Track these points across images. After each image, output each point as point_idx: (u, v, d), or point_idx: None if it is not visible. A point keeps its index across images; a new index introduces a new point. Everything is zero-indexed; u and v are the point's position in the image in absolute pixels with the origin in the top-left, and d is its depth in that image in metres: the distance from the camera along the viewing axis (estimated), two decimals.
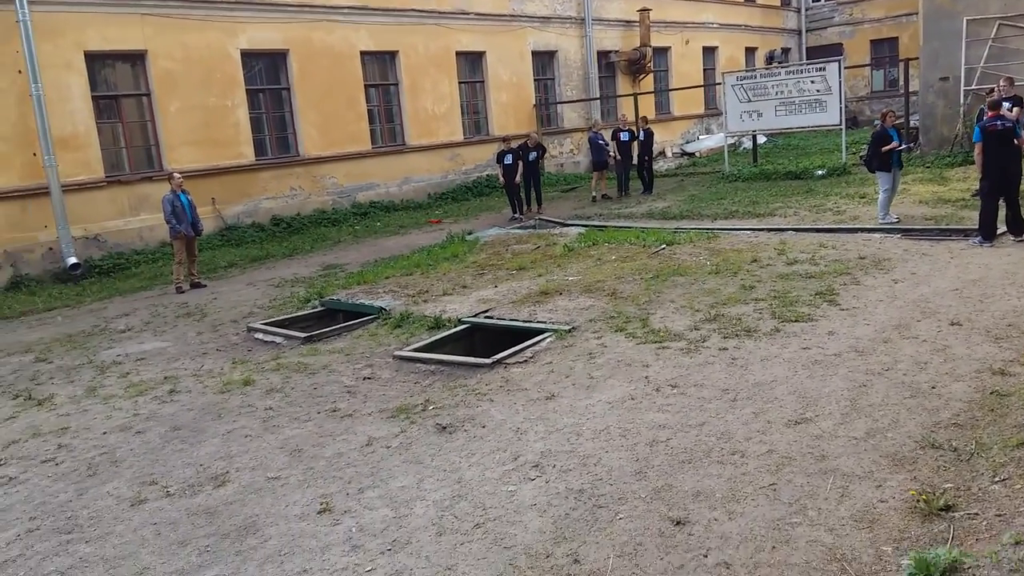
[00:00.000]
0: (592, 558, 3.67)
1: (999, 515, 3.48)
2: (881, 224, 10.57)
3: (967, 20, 16.29)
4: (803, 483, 4.09)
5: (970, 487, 3.81)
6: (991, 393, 4.83)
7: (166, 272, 12.68)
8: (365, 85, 17.91)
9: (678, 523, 3.87)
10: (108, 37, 13.89)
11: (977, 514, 3.54)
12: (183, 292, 11.39)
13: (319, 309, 9.53)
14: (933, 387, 5.05)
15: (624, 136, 17.47)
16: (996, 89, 11.83)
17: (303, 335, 8.29)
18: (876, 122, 12.40)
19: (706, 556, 3.58)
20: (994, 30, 16.08)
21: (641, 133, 17.61)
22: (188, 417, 6.24)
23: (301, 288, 10.79)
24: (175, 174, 11.85)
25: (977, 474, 3.93)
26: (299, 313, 9.47)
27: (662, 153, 25.00)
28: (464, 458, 4.89)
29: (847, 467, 4.19)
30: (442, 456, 4.96)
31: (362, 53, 17.70)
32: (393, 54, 18.39)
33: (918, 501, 3.70)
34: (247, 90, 15.95)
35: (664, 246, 10.49)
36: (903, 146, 11.39)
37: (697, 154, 24.91)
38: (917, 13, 18.26)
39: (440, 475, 4.71)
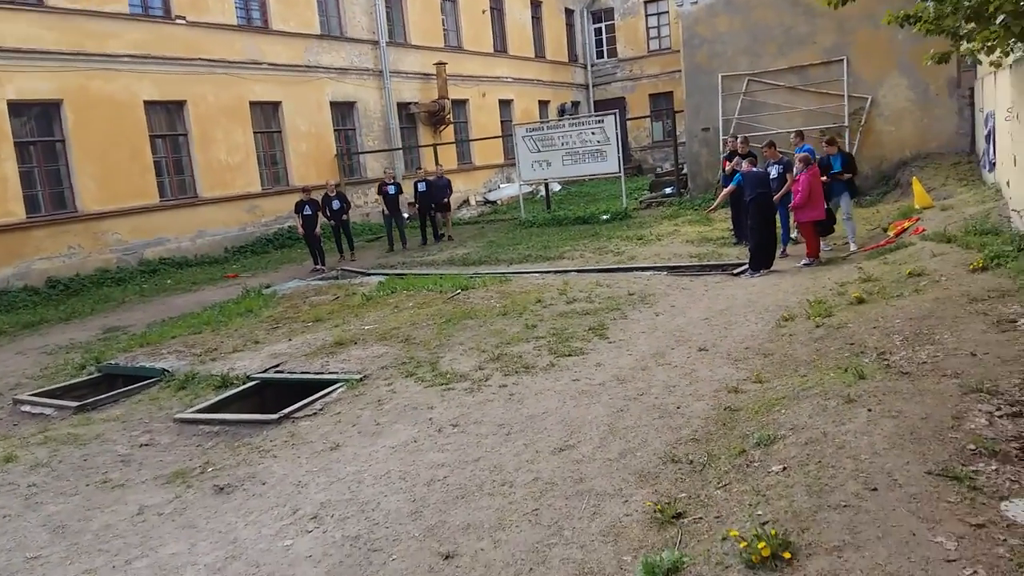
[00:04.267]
0: None
1: (717, 517, 3.98)
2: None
3: (721, 76, 18.36)
4: (562, 506, 4.44)
5: (699, 495, 4.31)
6: (724, 409, 5.48)
7: None
8: (151, 136, 17.10)
9: (447, 557, 4.07)
10: None
11: (701, 518, 4.02)
12: None
13: (96, 376, 8.96)
14: (678, 407, 5.65)
15: (391, 189, 17.48)
16: (731, 143, 13.31)
17: (75, 404, 7.78)
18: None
19: None
20: (744, 85, 18.23)
21: (422, 184, 17.83)
22: None
23: (77, 354, 10.06)
24: None
25: (706, 482, 4.45)
26: (73, 381, 8.86)
27: (466, 201, 25.79)
28: (241, 517, 4.84)
29: (600, 487, 4.59)
30: (218, 518, 4.88)
31: (146, 103, 16.92)
32: (181, 104, 17.74)
33: (655, 512, 4.14)
34: (16, 143, 14.76)
35: (459, 291, 10.85)
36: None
37: (499, 202, 25.90)
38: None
39: (215, 538, 4.63)
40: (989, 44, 6.95)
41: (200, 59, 17.94)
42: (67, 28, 15.47)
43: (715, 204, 12.73)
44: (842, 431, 4.41)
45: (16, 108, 14.84)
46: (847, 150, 14.41)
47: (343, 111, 22.35)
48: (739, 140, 12.59)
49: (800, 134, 12.35)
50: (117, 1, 16.37)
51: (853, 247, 10.85)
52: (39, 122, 15.46)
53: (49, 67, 15.15)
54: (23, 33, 14.78)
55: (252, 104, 19.37)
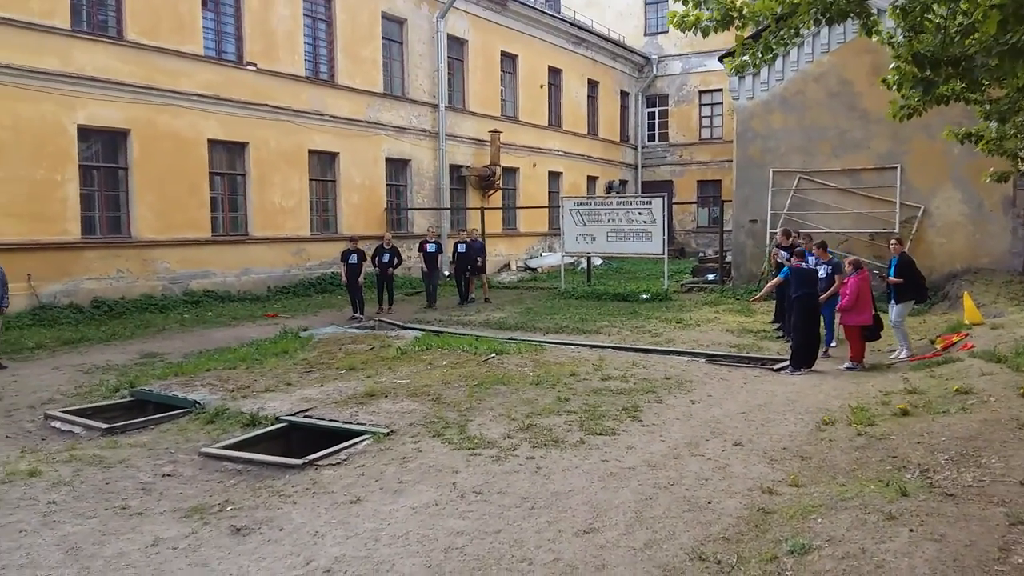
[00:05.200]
0: None
1: None
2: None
3: (773, 171, 18.46)
4: None
5: None
6: (758, 510, 5.30)
7: None
8: (210, 173, 17.65)
9: None
10: None
11: None
12: None
13: (128, 399, 9.03)
14: (709, 502, 5.48)
15: (430, 248, 17.73)
16: (779, 237, 13.24)
17: (104, 426, 7.82)
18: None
19: None
20: (795, 182, 18.28)
21: (461, 246, 18.15)
22: None
23: (112, 376, 10.19)
24: None
25: None
26: (105, 402, 8.94)
27: (507, 266, 25.98)
28: (254, 562, 4.76)
29: None
30: (231, 560, 4.80)
31: (210, 141, 17.52)
32: (243, 145, 18.32)
33: None
34: (80, 166, 15.32)
35: (494, 355, 10.81)
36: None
37: (539, 270, 26.06)
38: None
39: None
40: None
41: (266, 105, 18.57)
42: (142, 62, 16.15)
43: (760, 294, 12.61)
44: (881, 549, 4.24)
45: (85, 133, 15.44)
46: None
47: (397, 167, 22.86)
48: (780, 232, 12.61)
49: (817, 241, 11.67)
50: (193, 42, 17.10)
51: (899, 355, 10.63)
52: (105, 148, 16.03)
53: (121, 98, 15.79)
54: (101, 63, 15.46)
55: (311, 152, 19.93)
